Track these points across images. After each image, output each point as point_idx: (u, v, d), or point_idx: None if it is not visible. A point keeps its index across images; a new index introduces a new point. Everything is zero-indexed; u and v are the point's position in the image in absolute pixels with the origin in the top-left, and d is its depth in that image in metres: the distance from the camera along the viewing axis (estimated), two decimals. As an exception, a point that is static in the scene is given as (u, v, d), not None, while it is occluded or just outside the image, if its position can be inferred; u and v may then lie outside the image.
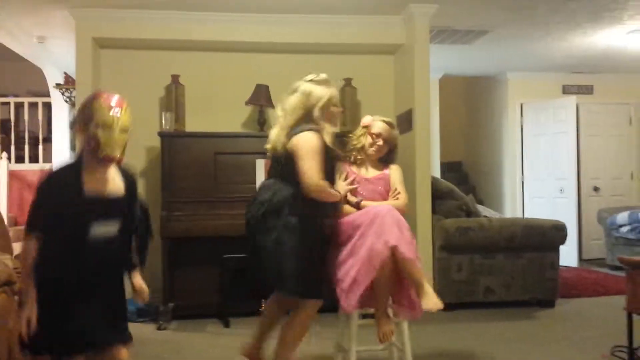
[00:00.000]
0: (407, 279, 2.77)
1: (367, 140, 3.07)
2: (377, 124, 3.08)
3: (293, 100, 2.80)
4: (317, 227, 2.78)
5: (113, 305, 2.45)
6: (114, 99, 2.37)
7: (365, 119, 3.14)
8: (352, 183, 2.99)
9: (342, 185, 2.92)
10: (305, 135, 2.72)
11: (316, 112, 2.76)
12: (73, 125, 2.43)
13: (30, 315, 2.21)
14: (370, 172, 3.08)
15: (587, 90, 8.17)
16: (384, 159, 3.14)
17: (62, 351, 2.33)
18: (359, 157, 3.09)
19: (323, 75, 2.87)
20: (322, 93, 2.80)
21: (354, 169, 3.08)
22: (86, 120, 2.35)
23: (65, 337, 2.31)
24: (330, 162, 2.80)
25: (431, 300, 2.72)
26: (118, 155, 2.37)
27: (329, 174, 2.77)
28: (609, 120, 8.17)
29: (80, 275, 2.31)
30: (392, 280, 2.78)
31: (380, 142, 3.04)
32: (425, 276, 2.82)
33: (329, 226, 2.89)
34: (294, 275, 2.68)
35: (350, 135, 3.18)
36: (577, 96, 7.81)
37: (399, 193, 3.02)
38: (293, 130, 2.76)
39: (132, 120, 2.40)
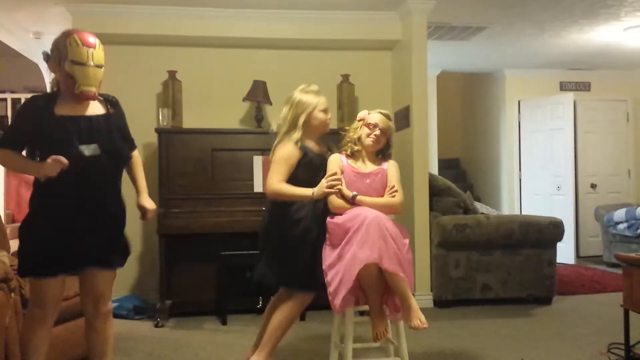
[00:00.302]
0: (393, 290, 2.77)
1: (364, 131, 3.01)
2: (374, 115, 3.03)
3: (284, 110, 3.06)
4: (296, 226, 2.93)
5: (105, 227, 2.51)
6: (87, 36, 2.43)
7: (361, 113, 3.11)
8: (337, 179, 2.90)
9: (322, 183, 2.89)
10: (278, 146, 3.01)
11: (301, 120, 2.98)
12: (47, 62, 2.49)
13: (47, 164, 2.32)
14: (368, 167, 3.02)
15: (584, 87, 8.18)
16: (381, 153, 3.08)
17: (49, 270, 2.44)
18: (355, 149, 3.02)
19: (314, 86, 3.08)
20: (309, 101, 3.00)
21: (350, 162, 3.02)
22: (60, 57, 2.39)
23: (56, 255, 2.42)
24: (312, 166, 2.99)
25: (416, 318, 2.69)
26: (94, 90, 2.45)
27: (312, 176, 2.96)
28: (606, 117, 8.19)
29: (66, 195, 2.37)
30: (380, 284, 2.78)
31: (378, 132, 2.98)
32: (411, 290, 2.80)
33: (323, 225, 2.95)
34: (280, 268, 2.95)
35: (347, 128, 3.15)
36: (574, 93, 7.81)
37: (395, 191, 2.97)
38: (279, 139, 3.04)
39: (106, 58, 2.52)
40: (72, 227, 2.42)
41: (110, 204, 2.55)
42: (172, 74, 5.07)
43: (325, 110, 3.03)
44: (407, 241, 2.87)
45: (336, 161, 3.00)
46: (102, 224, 2.51)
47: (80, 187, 2.41)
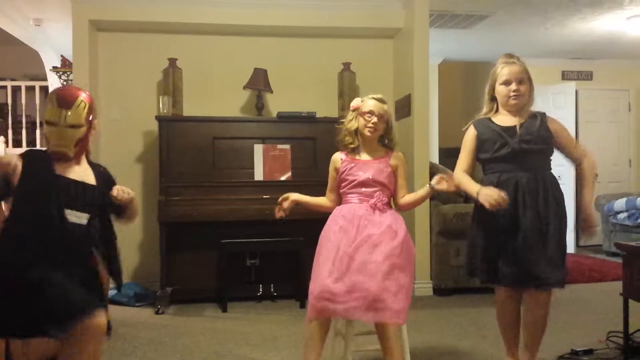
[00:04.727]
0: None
1: (360, 122, 2.86)
2: (367, 102, 2.88)
3: None
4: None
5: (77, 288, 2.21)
6: (66, 94, 2.32)
7: (354, 102, 2.95)
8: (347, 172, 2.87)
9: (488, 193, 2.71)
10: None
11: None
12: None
13: None
14: (371, 157, 2.89)
15: (586, 76, 8.15)
16: (383, 142, 2.94)
17: (15, 334, 2.18)
18: (351, 145, 2.88)
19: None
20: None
21: (351, 156, 2.89)
22: (42, 117, 2.35)
23: (19, 321, 2.11)
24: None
25: None
26: (65, 151, 2.31)
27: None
28: (608, 107, 8.16)
29: (40, 259, 2.17)
30: None
31: (375, 120, 2.83)
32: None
33: None
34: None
35: (342, 120, 2.99)
36: (576, 82, 7.79)
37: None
38: None
39: (85, 116, 2.33)
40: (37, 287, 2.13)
41: (85, 274, 2.28)
42: (172, 61, 5.05)
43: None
44: (401, 234, 2.71)
45: (334, 162, 2.92)
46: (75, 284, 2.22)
47: (53, 252, 2.21)
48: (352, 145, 2.89)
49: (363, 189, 2.80)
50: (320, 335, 2.66)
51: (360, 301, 2.48)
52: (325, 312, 2.57)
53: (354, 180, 2.82)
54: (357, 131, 2.88)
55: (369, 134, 2.85)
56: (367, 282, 2.50)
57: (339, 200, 2.92)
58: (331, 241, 2.70)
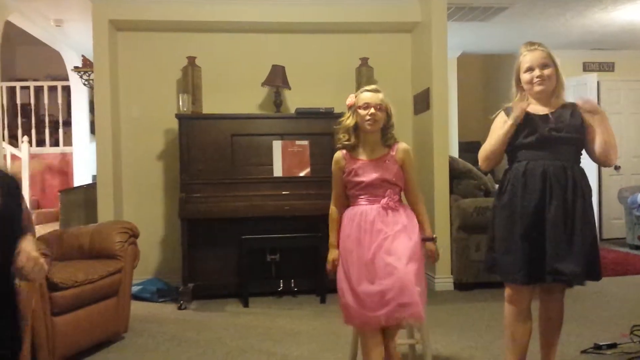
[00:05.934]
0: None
1: (358, 116, 2.66)
2: (361, 96, 2.70)
3: None
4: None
5: None
6: None
7: (348, 99, 2.77)
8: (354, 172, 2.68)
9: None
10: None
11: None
12: None
13: None
14: (374, 155, 2.70)
15: (608, 67, 8.03)
16: (385, 137, 2.73)
17: None
18: (347, 142, 2.70)
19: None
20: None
21: (353, 156, 2.71)
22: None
23: None
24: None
25: None
26: None
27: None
28: (631, 98, 8.03)
29: None
30: None
31: (373, 111, 2.64)
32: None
33: None
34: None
35: (340, 120, 2.78)
36: (597, 73, 7.68)
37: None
38: None
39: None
40: None
41: None
42: (191, 59, 5.08)
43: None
44: (415, 233, 2.63)
45: (337, 161, 2.73)
46: None
47: None
48: (348, 142, 2.70)
49: (372, 190, 2.65)
50: (378, 341, 2.59)
51: (392, 303, 2.45)
52: (371, 322, 2.53)
53: (361, 182, 2.65)
54: (355, 128, 2.70)
55: (369, 127, 2.66)
56: (393, 284, 2.47)
57: (348, 202, 2.75)
58: (350, 254, 2.62)
